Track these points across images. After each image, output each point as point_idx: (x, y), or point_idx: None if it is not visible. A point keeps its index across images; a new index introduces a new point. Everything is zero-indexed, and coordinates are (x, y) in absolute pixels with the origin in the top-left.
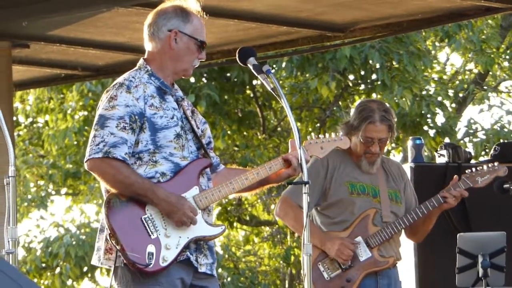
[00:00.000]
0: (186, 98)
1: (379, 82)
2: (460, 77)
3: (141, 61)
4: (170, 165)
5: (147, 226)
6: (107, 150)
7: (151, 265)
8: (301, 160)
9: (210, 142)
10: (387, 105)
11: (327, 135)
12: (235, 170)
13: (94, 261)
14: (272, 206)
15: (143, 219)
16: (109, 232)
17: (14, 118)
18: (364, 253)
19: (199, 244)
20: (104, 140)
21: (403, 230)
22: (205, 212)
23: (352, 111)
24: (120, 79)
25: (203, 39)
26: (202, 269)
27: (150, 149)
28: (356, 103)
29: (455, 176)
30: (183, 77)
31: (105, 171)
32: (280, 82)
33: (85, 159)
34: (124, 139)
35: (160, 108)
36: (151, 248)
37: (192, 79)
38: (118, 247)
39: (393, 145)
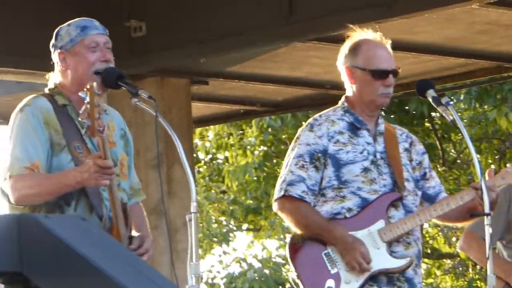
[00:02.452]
0: (403, 130)
1: None
2: None
3: (342, 98)
4: (357, 200)
5: (326, 262)
6: (285, 189)
7: None
8: (482, 191)
9: (425, 173)
10: None
11: None
12: (445, 198)
13: None
14: (453, 239)
15: (323, 254)
16: (292, 269)
17: (194, 155)
18: None
19: (391, 276)
20: (284, 180)
21: None
22: (400, 244)
23: None
24: (309, 119)
25: (377, 67)
26: None
27: (334, 185)
28: None
29: None
30: (379, 107)
31: (285, 212)
32: (459, 114)
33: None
34: (302, 177)
35: (348, 144)
36: (330, 283)
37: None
38: (299, 282)
39: None
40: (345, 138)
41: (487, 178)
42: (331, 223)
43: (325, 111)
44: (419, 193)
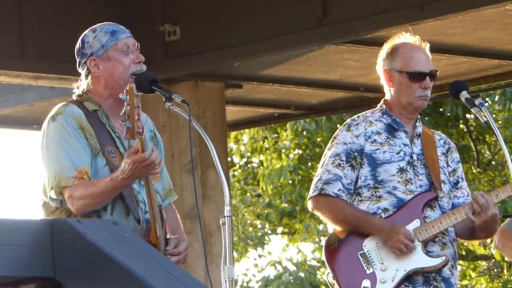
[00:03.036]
0: (441, 136)
1: None
2: None
3: (381, 101)
4: (393, 200)
5: (362, 262)
6: (321, 187)
7: None
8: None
9: (458, 182)
10: None
11: None
12: None
13: None
14: (488, 241)
15: (359, 255)
16: (329, 270)
17: (229, 159)
18: None
19: (427, 276)
20: (320, 179)
21: None
22: (436, 244)
23: None
24: (347, 120)
25: (414, 70)
26: None
27: (369, 184)
28: None
29: None
30: (417, 109)
31: (321, 209)
32: (493, 115)
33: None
34: (338, 175)
35: (385, 144)
36: (366, 283)
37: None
38: (335, 283)
39: None
40: (382, 138)
41: None
42: (367, 214)
43: (363, 112)
44: (452, 196)
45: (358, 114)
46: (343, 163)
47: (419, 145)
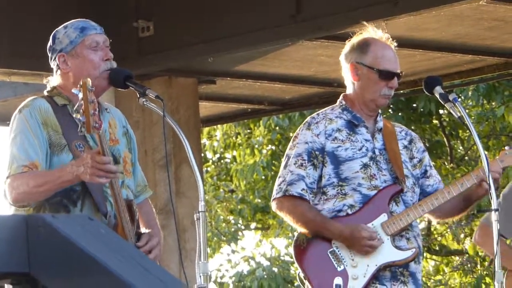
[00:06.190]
0: (402, 128)
1: None
2: None
3: (340, 97)
4: (358, 196)
5: (332, 260)
6: (285, 189)
7: None
8: (490, 188)
9: (426, 171)
10: None
11: None
12: (445, 186)
13: None
14: (462, 236)
15: (329, 252)
16: (299, 269)
17: (202, 155)
18: None
19: (395, 271)
20: (284, 180)
21: None
22: (403, 238)
23: None
24: (307, 118)
25: (385, 68)
26: None
27: (333, 182)
28: None
29: None
30: (378, 107)
31: (284, 211)
32: (467, 110)
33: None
34: (301, 175)
35: (347, 141)
36: (338, 280)
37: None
38: (306, 283)
39: None
40: (343, 135)
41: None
42: (327, 220)
43: (323, 109)
44: (417, 190)
45: (318, 112)
46: (305, 163)
47: (380, 140)
